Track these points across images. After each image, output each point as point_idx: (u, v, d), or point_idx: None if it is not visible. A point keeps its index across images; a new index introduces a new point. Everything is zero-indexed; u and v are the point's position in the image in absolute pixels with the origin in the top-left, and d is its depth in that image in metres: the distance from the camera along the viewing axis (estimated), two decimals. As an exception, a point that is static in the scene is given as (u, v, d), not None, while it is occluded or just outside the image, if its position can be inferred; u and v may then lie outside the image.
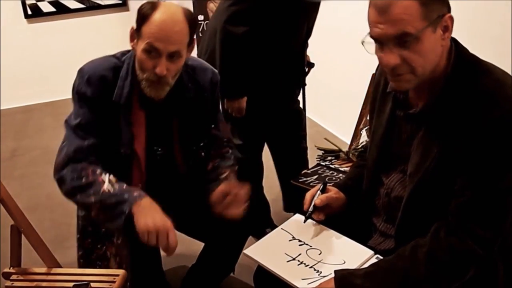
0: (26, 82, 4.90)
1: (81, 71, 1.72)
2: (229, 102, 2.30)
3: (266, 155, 2.70)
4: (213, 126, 1.90)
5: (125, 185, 1.63)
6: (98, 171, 1.64)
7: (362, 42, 1.24)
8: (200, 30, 5.01)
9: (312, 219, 1.55)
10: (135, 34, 1.67)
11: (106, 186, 1.60)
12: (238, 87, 2.26)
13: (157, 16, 1.59)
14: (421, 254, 1.26)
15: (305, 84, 2.67)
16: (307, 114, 2.85)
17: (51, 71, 4.91)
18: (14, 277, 1.70)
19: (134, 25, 1.66)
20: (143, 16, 1.61)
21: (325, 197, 1.53)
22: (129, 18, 4.81)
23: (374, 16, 1.19)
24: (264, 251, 1.50)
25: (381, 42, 1.20)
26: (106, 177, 1.62)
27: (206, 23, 4.96)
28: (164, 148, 1.82)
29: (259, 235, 2.45)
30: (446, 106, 1.24)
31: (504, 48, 2.18)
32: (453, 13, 1.22)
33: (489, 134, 1.17)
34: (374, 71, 1.57)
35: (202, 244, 2.02)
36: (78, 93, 1.71)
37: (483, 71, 1.24)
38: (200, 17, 4.99)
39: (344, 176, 2.11)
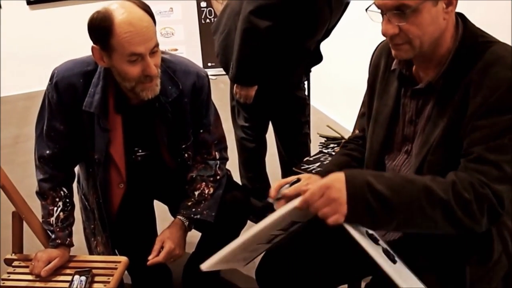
0: (29, 69, 4.88)
1: (52, 74, 1.66)
2: (239, 88, 2.31)
3: (269, 143, 2.70)
4: (201, 131, 1.82)
5: (63, 227, 1.71)
6: (57, 199, 1.72)
7: (366, 10, 1.25)
8: (202, 17, 4.99)
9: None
10: (102, 52, 1.54)
11: (52, 219, 1.71)
12: (250, 75, 2.27)
13: (120, 22, 1.46)
14: (445, 181, 1.17)
15: (310, 71, 2.68)
16: (311, 102, 2.85)
17: (53, 57, 4.81)
18: (16, 263, 1.71)
19: (94, 45, 1.54)
20: (104, 31, 1.48)
21: (293, 189, 1.36)
22: (131, 5, 4.79)
23: None
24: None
25: (382, 11, 1.21)
26: (56, 212, 1.71)
27: (209, 10, 4.93)
28: (147, 148, 1.79)
29: (260, 219, 2.47)
30: (454, 78, 1.23)
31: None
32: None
33: (495, 90, 1.15)
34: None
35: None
36: (46, 96, 1.69)
37: (492, 44, 1.23)
38: (203, 4, 4.96)
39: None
